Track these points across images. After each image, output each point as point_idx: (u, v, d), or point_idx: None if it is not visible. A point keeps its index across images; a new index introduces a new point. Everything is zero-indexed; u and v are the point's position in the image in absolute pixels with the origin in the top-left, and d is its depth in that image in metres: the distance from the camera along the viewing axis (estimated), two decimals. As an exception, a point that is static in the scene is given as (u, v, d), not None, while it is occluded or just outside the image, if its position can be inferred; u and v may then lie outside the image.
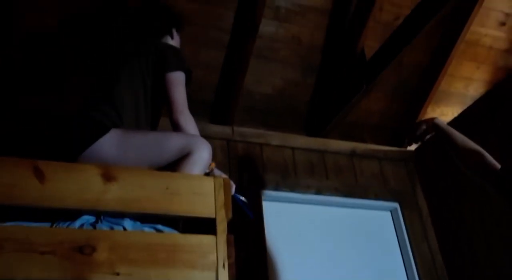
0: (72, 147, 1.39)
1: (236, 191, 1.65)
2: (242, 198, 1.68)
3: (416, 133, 1.59)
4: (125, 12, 2.09)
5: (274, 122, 2.63)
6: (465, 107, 2.74)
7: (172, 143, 1.45)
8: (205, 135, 2.28)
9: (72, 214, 1.22)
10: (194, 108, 2.39)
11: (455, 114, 2.78)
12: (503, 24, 2.56)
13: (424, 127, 1.59)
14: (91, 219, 1.23)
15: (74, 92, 2.08)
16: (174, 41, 1.82)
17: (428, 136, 1.60)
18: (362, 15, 2.40)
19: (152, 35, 1.78)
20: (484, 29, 2.57)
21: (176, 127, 1.55)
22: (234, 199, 1.62)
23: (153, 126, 1.68)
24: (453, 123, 2.67)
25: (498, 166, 1.43)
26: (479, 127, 2.43)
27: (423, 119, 1.67)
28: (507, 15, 2.54)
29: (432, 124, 1.58)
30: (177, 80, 1.60)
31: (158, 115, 1.71)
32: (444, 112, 2.85)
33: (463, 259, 2.47)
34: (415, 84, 2.74)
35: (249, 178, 2.40)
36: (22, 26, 2.05)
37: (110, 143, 1.39)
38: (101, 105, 1.50)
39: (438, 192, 2.69)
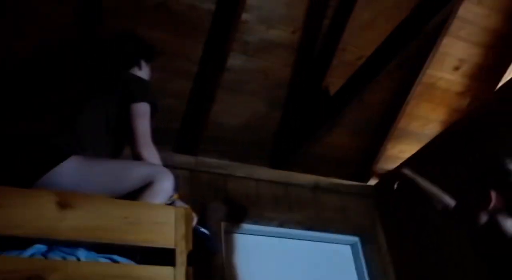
0: (29, 172, 1.33)
1: (198, 223, 1.63)
2: (204, 231, 1.65)
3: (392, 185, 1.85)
4: (97, 43, 2.09)
5: (239, 153, 2.65)
6: (422, 145, 2.86)
7: (134, 172, 1.43)
8: (168, 164, 2.28)
9: (23, 243, 1.16)
10: (159, 136, 2.39)
11: (413, 152, 2.90)
12: (457, 68, 2.73)
13: (395, 178, 1.85)
14: (43, 248, 1.18)
15: (35, 117, 2.03)
16: (142, 72, 1.82)
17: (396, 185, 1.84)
18: (327, 54, 2.50)
19: (120, 66, 1.78)
20: (440, 73, 2.73)
21: (138, 160, 1.52)
22: (196, 231, 1.59)
23: (115, 156, 1.65)
24: (411, 160, 2.78)
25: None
26: (434, 165, 2.54)
27: (393, 172, 1.83)
28: (461, 60, 2.71)
29: (401, 173, 1.84)
30: (141, 112, 1.58)
31: (122, 146, 1.69)
32: (403, 149, 2.96)
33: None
34: (377, 122, 2.85)
35: (212, 209, 2.37)
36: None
37: (69, 170, 1.35)
38: (62, 132, 1.47)
39: (397, 228, 2.75)
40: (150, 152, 1.54)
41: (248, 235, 2.46)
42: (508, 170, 1.48)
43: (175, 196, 1.57)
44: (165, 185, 1.44)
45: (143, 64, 1.84)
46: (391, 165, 2.99)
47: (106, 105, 1.59)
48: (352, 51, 2.54)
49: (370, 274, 2.57)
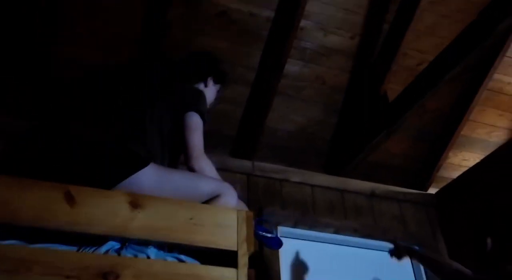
0: (112, 176, 1.42)
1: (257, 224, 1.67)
2: (263, 233, 1.69)
3: (397, 254, 1.98)
4: (163, 55, 2.18)
5: (294, 159, 2.66)
6: (487, 153, 2.73)
7: (204, 185, 1.49)
8: (225, 169, 2.34)
9: (98, 240, 1.24)
10: (216, 141, 2.47)
11: (477, 160, 2.77)
12: (526, 73, 2.59)
13: (403, 252, 1.97)
14: (116, 245, 1.25)
15: (105, 124, 2.15)
16: (207, 90, 1.83)
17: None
18: (386, 59, 2.45)
19: (187, 79, 1.83)
20: (507, 78, 2.59)
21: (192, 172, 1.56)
22: (255, 233, 1.63)
23: (172, 166, 1.68)
24: (475, 168, 2.66)
25: (472, 275, 1.61)
26: (501, 174, 2.41)
27: (403, 246, 2.00)
28: (530, 64, 2.56)
29: (411, 251, 1.96)
30: (194, 124, 1.60)
31: (177, 157, 1.71)
32: (466, 157, 2.84)
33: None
34: (438, 128, 2.76)
35: (268, 214, 2.39)
36: (61, 57, 2.16)
37: (148, 177, 1.41)
38: (136, 139, 1.55)
39: (459, 239, 2.63)
40: (203, 165, 1.56)
41: (304, 241, 2.45)
42: None
43: None
44: (230, 201, 1.51)
45: (210, 82, 1.86)
46: (453, 173, 2.87)
47: (162, 115, 1.63)
48: (413, 55, 2.48)
49: (429, 286, 2.48)
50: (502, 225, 1.50)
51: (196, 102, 1.65)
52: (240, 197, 1.83)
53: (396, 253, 1.98)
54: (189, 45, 2.25)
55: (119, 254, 1.22)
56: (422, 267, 2.55)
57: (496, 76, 2.55)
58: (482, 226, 1.61)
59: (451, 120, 2.69)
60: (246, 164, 2.54)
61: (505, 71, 2.55)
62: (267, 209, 2.37)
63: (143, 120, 1.62)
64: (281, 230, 2.38)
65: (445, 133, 2.73)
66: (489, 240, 1.55)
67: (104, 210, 1.24)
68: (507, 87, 2.61)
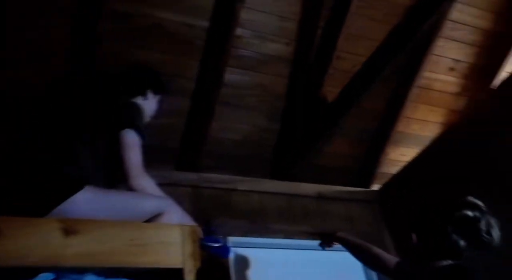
0: (45, 202, 1.33)
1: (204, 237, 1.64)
2: (210, 244, 1.66)
3: (325, 243, 1.98)
4: (98, 71, 2.10)
5: (241, 167, 2.65)
6: (422, 147, 2.86)
7: (145, 204, 1.46)
8: (171, 183, 2.28)
9: (30, 272, 1.15)
10: (160, 155, 2.41)
11: (414, 155, 2.90)
12: (452, 69, 2.75)
13: (329, 239, 1.95)
14: (50, 276, 1.17)
15: (38, 147, 2.03)
16: (146, 102, 1.81)
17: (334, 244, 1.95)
18: (322, 63, 2.51)
19: (124, 93, 1.78)
20: (435, 75, 2.74)
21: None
22: (202, 246, 1.60)
23: (110, 188, 1.62)
24: (411, 164, 2.78)
25: (393, 261, 1.65)
26: (434, 168, 2.54)
27: (327, 234, 1.98)
28: (456, 61, 2.73)
29: (336, 237, 1.91)
30: (131, 141, 1.56)
31: (114, 177, 1.66)
32: (404, 153, 2.96)
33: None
34: (376, 127, 2.86)
35: (217, 225, 2.36)
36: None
37: (84, 201, 1.35)
38: (70, 163, 1.47)
39: (402, 234, 2.73)
40: (143, 183, 1.53)
41: (255, 249, 2.44)
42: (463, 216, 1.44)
43: None
44: (173, 217, 1.49)
45: (150, 94, 1.84)
46: (393, 169, 2.99)
47: (95, 134, 1.59)
48: (347, 58, 2.55)
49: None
50: (434, 220, 1.56)
51: (131, 118, 1.61)
52: (187, 211, 1.80)
53: (323, 242, 1.98)
54: (123, 58, 2.17)
55: (53, 286, 1.15)
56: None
57: (425, 73, 2.69)
58: (416, 221, 1.65)
59: (387, 118, 2.80)
60: (192, 176, 2.50)
61: (432, 69, 2.69)
62: (215, 220, 2.34)
63: (75, 141, 1.54)
64: (232, 240, 2.35)
65: (382, 131, 2.83)
66: (414, 236, 1.59)
67: (34, 240, 1.16)
68: (435, 84, 2.75)
